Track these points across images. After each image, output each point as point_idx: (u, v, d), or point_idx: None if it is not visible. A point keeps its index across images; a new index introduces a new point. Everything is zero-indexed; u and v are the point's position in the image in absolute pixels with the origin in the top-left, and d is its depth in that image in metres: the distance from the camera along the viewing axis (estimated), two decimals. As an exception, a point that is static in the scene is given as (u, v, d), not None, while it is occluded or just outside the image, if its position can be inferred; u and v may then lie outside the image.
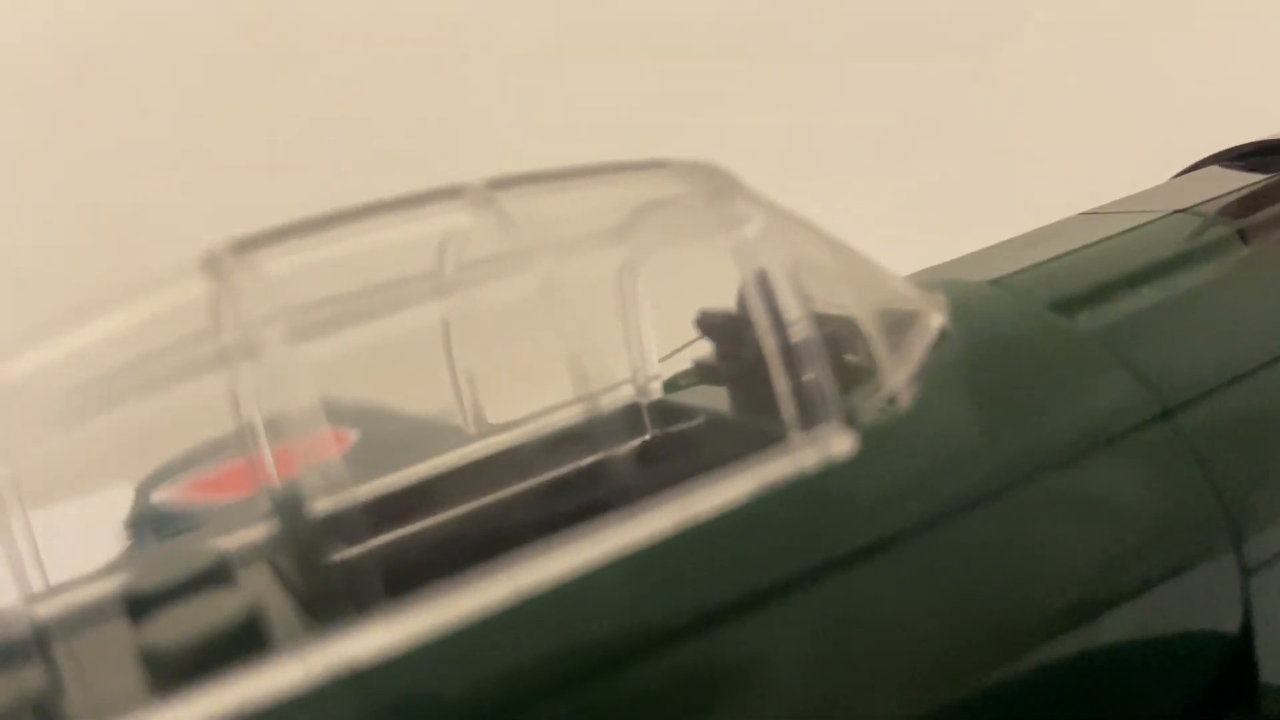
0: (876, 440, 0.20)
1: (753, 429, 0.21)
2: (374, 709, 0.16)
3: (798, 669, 0.18)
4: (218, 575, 0.19)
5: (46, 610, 0.20)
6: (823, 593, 0.19)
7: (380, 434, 0.26)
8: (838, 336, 0.21)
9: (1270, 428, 0.23)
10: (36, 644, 0.18)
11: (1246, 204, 0.28)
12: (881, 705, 0.19)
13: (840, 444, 0.20)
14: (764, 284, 0.20)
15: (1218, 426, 0.22)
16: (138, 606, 0.18)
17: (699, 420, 0.23)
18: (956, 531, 0.20)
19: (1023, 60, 0.59)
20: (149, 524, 0.28)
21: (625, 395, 0.26)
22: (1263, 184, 0.29)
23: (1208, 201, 0.28)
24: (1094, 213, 0.30)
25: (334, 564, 0.18)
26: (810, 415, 0.20)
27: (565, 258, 0.20)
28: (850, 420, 0.20)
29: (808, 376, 0.20)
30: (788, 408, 0.20)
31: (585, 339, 0.20)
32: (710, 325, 0.24)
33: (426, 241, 0.21)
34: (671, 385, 0.26)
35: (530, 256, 0.19)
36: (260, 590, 0.19)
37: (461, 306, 0.22)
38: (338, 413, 0.20)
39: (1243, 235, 0.27)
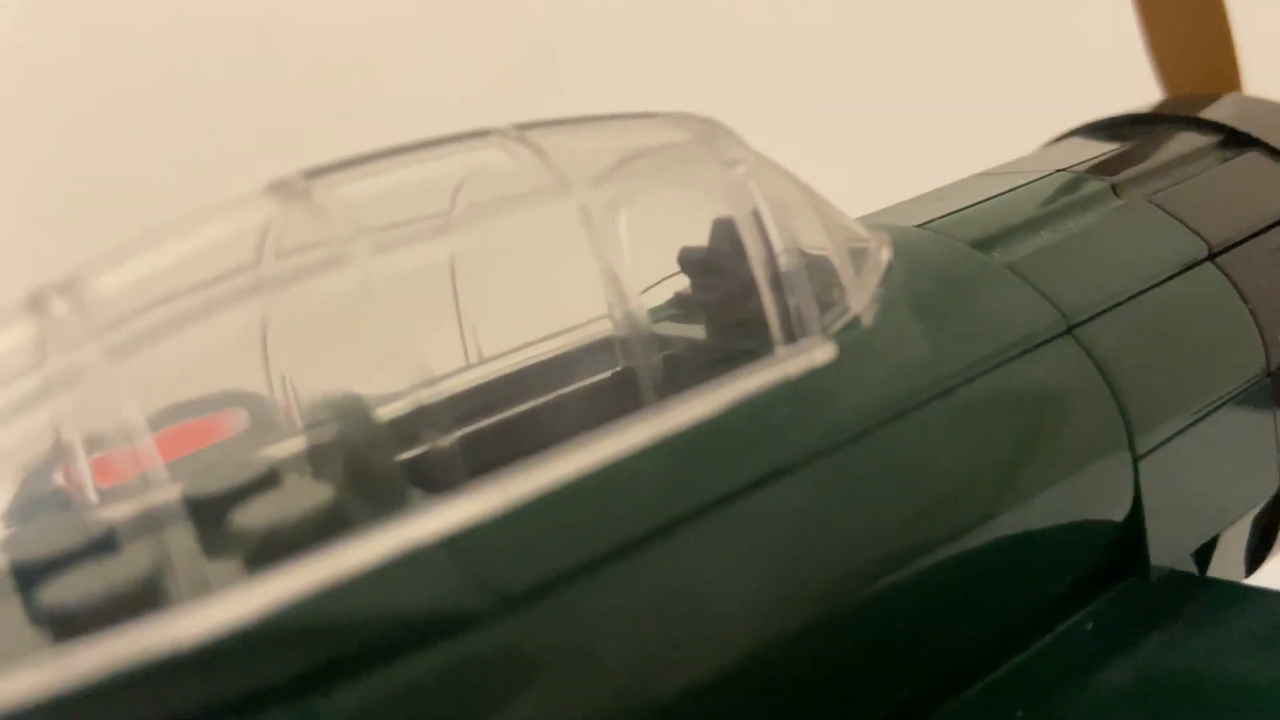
0: (849, 351, 0.24)
1: (742, 346, 0.24)
2: (468, 567, 0.18)
3: (808, 532, 0.22)
4: (269, 479, 0.20)
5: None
6: (821, 471, 0.22)
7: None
8: (813, 264, 0.25)
9: (1155, 338, 0.28)
10: (148, 524, 0.19)
11: (1114, 164, 0.33)
12: (860, 567, 0.23)
13: (823, 353, 0.24)
14: (756, 217, 0.24)
15: (1112, 338, 0.27)
16: (201, 508, 0.20)
17: (695, 340, 0.26)
18: (916, 424, 0.24)
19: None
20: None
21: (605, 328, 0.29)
22: (1125, 148, 0.35)
23: (1082, 163, 0.34)
24: (987, 173, 0.35)
25: (397, 460, 0.20)
26: (795, 330, 0.24)
27: (563, 197, 0.22)
28: (829, 334, 0.24)
29: (792, 297, 0.24)
30: (775, 324, 0.24)
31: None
32: (690, 261, 0.27)
33: (449, 176, 0.23)
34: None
35: (538, 196, 0.22)
36: (320, 487, 0.21)
37: (470, 243, 0.24)
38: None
39: (1115, 189, 0.32)
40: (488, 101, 0.73)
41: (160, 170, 0.72)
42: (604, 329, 0.27)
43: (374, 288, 0.19)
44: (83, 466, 0.21)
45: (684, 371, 0.24)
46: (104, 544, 0.19)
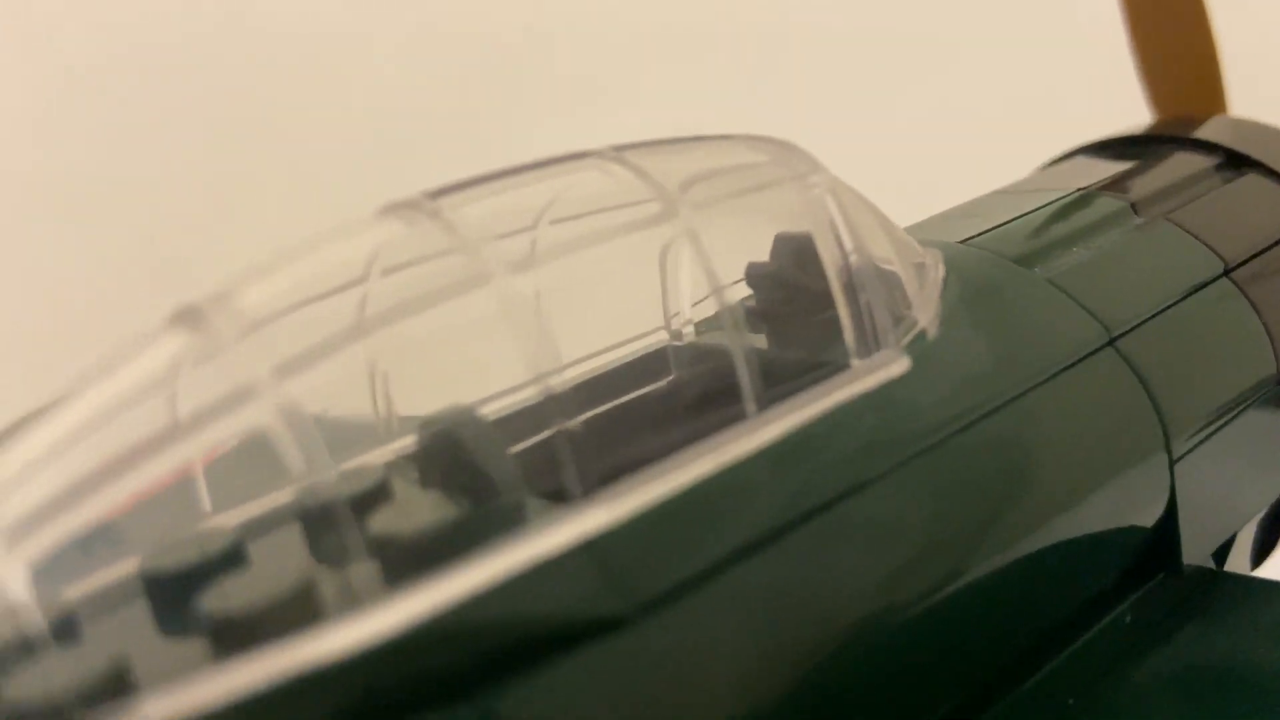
0: (920, 363, 0.25)
1: (816, 359, 0.26)
2: (607, 573, 0.19)
3: (897, 537, 0.23)
4: (387, 489, 0.21)
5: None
6: (905, 478, 0.24)
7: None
8: (884, 278, 0.26)
9: (1184, 349, 0.30)
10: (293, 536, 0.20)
11: (1127, 184, 0.35)
12: (943, 566, 0.24)
13: (899, 366, 0.25)
14: (834, 232, 0.25)
15: (1148, 349, 0.29)
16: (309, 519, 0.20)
17: (773, 354, 0.27)
18: (985, 433, 0.25)
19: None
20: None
21: (660, 339, 0.30)
22: (1132, 168, 0.37)
23: (1096, 183, 0.35)
24: (1004, 191, 0.37)
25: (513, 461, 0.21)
26: (870, 343, 0.25)
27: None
28: (901, 347, 0.25)
29: (867, 310, 0.25)
30: (852, 336, 0.25)
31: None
32: (757, 276, 0.28)
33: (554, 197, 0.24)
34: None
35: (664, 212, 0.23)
36: (443, 498, 0.22)
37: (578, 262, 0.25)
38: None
39: (1134, 208, 0.34)
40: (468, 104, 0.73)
41: (133, 172, 0.72)
42: (702, 339, 0.28)
43: (513, 303, 0.20)
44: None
45: (770, 384, 0.25)
46: (233, 558, 0.20)
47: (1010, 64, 0.69)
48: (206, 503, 0.22)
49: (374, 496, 0.21)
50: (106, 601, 0.19)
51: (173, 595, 0.19)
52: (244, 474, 0.23)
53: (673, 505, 0.21)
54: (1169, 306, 0.30)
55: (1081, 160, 0.40)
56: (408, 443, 0.23)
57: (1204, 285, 0.32)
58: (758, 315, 0.29)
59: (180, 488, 0.21)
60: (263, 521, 0.22)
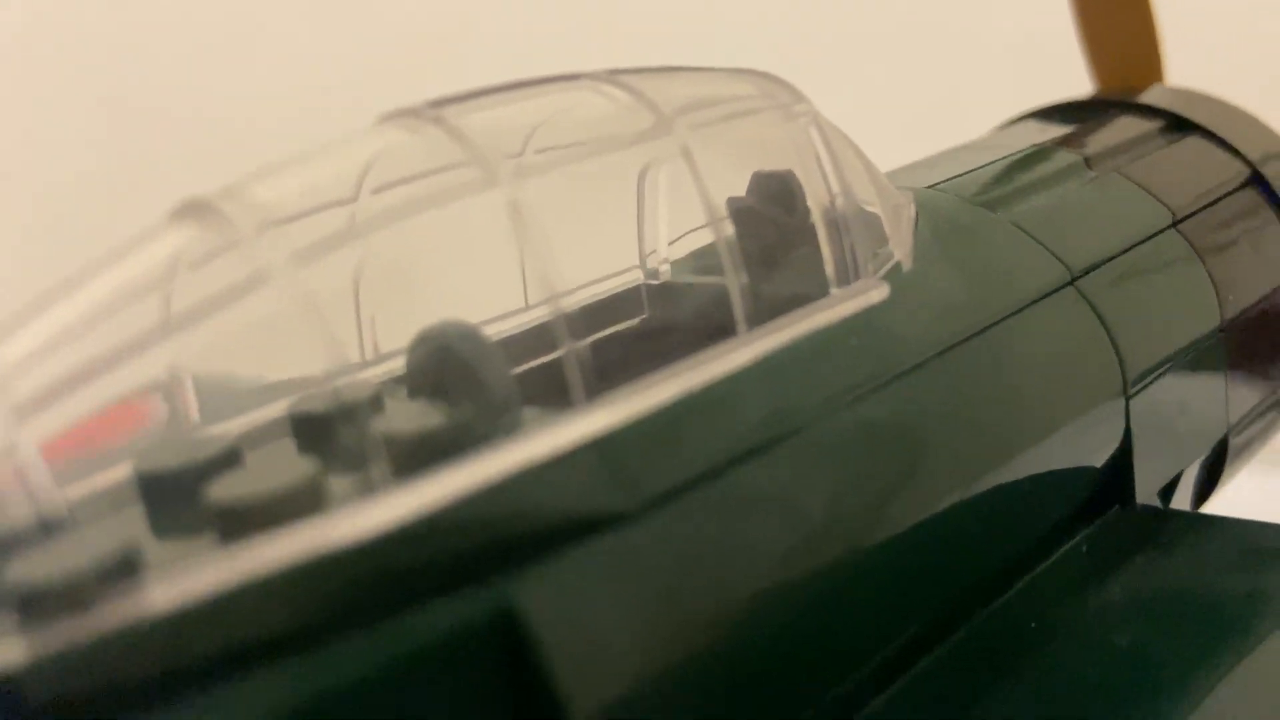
0: (898, 292, 0.26)
1: (797, 289, 0.26)
2: (614, 470, 0.20)
3: (883, 451, 0.24)
4: (378, 400, 0.21)
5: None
6: (887, 397, 0.24)
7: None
8: (863, 213, 0.27)
9: (1142, 290, 0.31)
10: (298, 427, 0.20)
11: (1078, 142, 0.37)
12: (922, 483, 0.25)
13: (879, 293, 0.26)
14: (818, 164, 0.26)
15: (1106, 290, 0.30)
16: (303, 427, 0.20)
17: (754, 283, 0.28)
18: (961, 359, 0.26)
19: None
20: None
21: (635, 277, 0.30)
22: (1082, 129, 0.38)
23: (1053, 140, 0.37)
24: (963, 148, 0.38)
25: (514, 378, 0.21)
26: (851, 272, 0.26)
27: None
28: (879, 276, 0.26)
29: (848, 241, 0.26)
30: (833, 265, 0.26)
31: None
32: (735, 211, 0.29)
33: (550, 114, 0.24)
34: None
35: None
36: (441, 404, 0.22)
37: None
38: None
39: (1087, 162, 0.35)
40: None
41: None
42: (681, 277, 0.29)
43: (520, 208, 0.20)
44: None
45: (757, 309, 0.25)
46: (235, 458, 0.20)
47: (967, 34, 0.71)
48: (197, 412, 0.22)
49: (377, 400, 0.21)
50: (110, 496, 0.19)
51: (176, 491, 0.19)
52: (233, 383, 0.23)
53: (673, 411, 0.21)
54: (1124, 252, 0.32)
55: (1032, 123, 0.41)
56: (409, 353, 0.23)
57: (1155, 234, 0.33)
58: (744, 251, 0.29)
59: (175, 396, 0.21)
60: (270, 425, 0.22)
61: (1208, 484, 0.36)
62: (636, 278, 0.30)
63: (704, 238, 0.30)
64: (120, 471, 0.20)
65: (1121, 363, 0.30)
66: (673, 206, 0.30)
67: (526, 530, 0.19)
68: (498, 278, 0.24)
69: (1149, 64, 0.44)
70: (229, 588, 0.16)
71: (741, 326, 0.24)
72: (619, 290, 0.29)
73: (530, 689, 0.18)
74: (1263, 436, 0.38)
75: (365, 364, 0.24)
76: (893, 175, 0.35)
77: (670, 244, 0.31)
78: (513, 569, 0.18)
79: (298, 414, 0.21)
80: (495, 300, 0.25)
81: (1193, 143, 0.38)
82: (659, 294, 0.30)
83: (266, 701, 0.16)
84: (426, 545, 0.18)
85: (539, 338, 0.23)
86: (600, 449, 0.20)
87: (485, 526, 0.18)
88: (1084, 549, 0.29)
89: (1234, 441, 0.35)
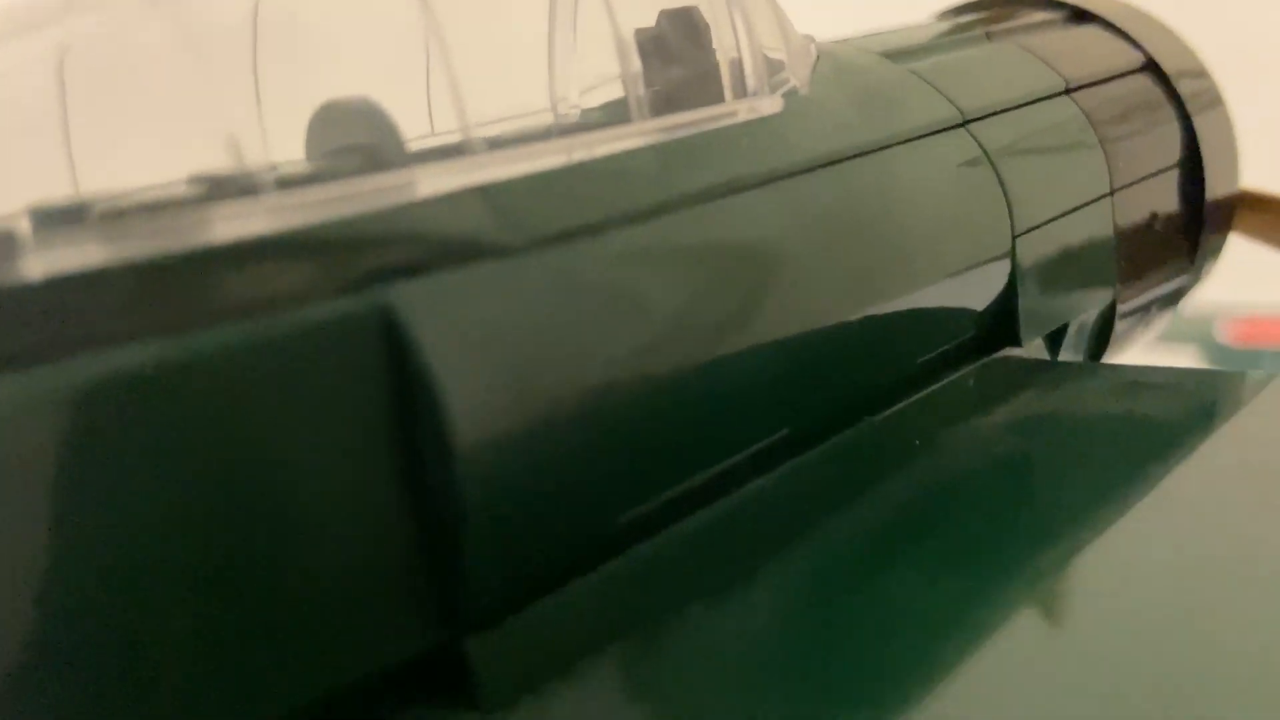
0: (792, 108, 0.27)
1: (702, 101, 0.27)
2: (502, 211, 0.21)
3: (768, 240, 0.25)
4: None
5: None
6: (777, 192, 0.25)
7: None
8: (762, 39, 0.28)
9: (1030, 144, 0.33)
10: None
11: (987, 21, 0.38)
12: (809, 283, 0.26)
13: (771, 106, 0.27)
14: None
15: (998, 136, 0.32)
16: None
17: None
18: (851, 171, 0.27)
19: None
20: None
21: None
22: (993, 13, 0.40)
23: (960, 18, 0.38)
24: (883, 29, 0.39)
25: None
26: (748, 88, 0.27)
27: None
28: (777, 91, 0.27)
29: (747, 60, 0.27)
30: (730, 82, 0.27)
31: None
32: (642, 41, 0.30)
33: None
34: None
35: None
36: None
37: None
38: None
39: (988, 36, 0.37)
40: None
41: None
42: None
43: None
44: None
45: (659, 108, 0.26)
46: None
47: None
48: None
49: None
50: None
51: (66, 212, 0.19)
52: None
53: (563, 172, 0.22)
54: (1017, 106, 0.33)
55: (952, 11, 0.43)
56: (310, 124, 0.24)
57: (1049, 97, 0.35)
58: (648, 78, 0.30)
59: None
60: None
61: (1097, 350, 0.37)
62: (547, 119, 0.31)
63: (614, 71, 0.31)
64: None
65: (1010, 205, 0.31)
66: (586, 44, 0.31)
67: (412, 251, 0.19)
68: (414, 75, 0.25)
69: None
70: (106, 265, 0.17)
71: (636, 115, 0.25)
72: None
73: (406, 386, 0.18)
74: (1157, 312, 0.40)
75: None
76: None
77: (582, 93, 0.32)
78: (397, 280, 0.19)
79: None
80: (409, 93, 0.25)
81: (1092, 30, 0.40)
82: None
83: (139, 364, 0.16)
84: (308, 251, 0.19)
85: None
86: (487, 192, 0.21)
87: (370, 242, 0.19)
88: (970, 382, 0.31)
89: (1122, 308, 0.37)
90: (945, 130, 0.30)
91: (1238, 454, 0.27)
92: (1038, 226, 0.32)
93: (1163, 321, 0.41)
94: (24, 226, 0.19)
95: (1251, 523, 0.24)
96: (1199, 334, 1.08)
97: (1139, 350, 0.40)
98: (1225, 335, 1.05)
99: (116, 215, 0.18)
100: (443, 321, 0.19)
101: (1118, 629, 0.21)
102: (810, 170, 0.26)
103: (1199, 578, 0.22)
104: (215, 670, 0.18)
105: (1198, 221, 0.40)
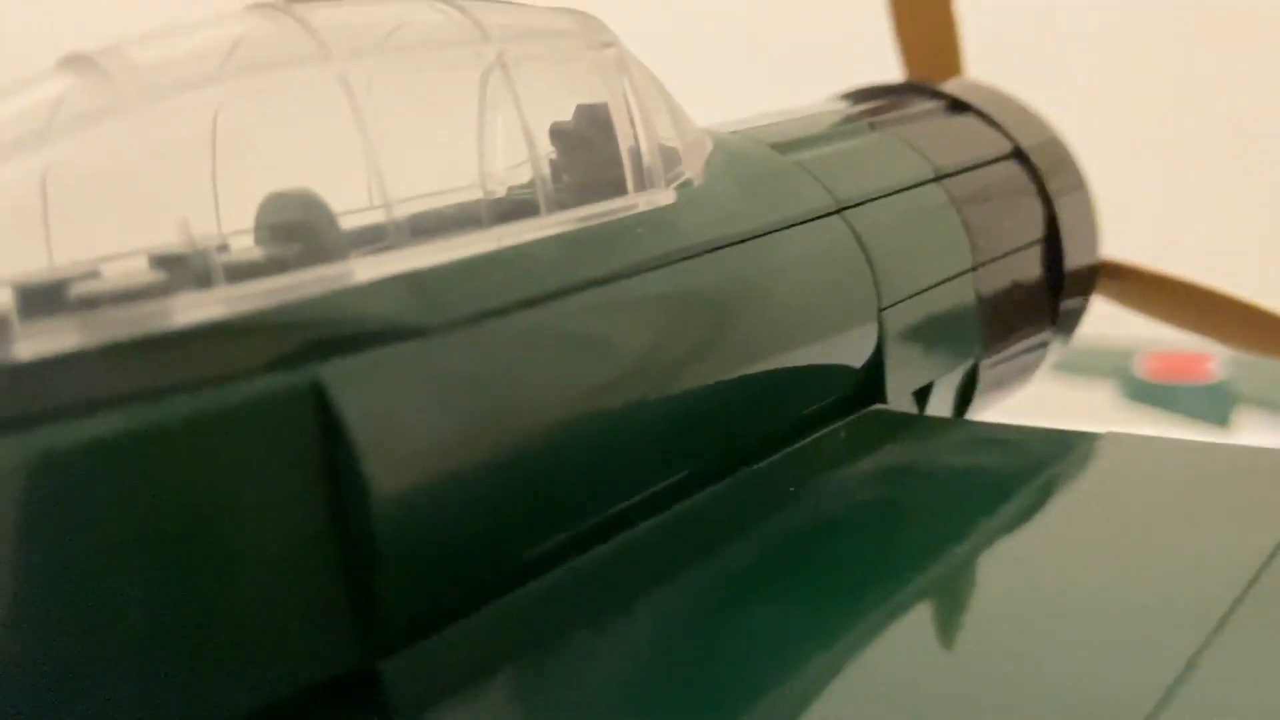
0: (685, 199, 0.32)
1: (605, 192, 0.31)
2: (421, 295, 0.24)
3: (661, 316, 0.29)
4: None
5: None
6: (669, 275, 0.30)
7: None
8: (660, 135, 0.32)
9: (898, 228, 0.37)
10: None
11: (872, 111, 0.43)
12: (697, 351, 0.30)
13: (666, 198, 0.31)
14: (624, 89, 0.31)
15: (869, 222, 0.36)
16: None
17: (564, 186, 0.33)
18: (734, 257, 0.32)
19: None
20: None
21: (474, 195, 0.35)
22: (879, 104, 0.45)
23: (848, 107, 0.43)
24: (777, 110, 0.44)
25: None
26: (646, 181, 0.31)
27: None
28: (670, 185, 0.31)
29: (645, 155, 0.31)
30: (631, 174, 0.31)
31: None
32: (558, 134, 0.34)
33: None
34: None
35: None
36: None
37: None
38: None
39: (871, 126, 0.41)
40: None
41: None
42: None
43: (350, 82, 0.25)
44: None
45: (566, 200, 0.30)
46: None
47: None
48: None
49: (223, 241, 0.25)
50: None
51: (44, 292, 0.23)
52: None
53: (477, 260, 0.26)
54: (888, 195, 0.38)
55: (843, 98, 0.47)
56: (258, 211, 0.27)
57: (919, 185, 0.39)
58: (559, 166, 0.34)
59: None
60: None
61: (962, 404, 0.42)
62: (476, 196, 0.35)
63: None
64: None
65: (877, 282, 0.35)
66: (509, 132, 0.35)
67: (340, 332, 0.23)
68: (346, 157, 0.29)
69: (949, 61, 0.51)
70: (82, 347, 0.20)
71: (544, 209, 0.29)
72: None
73: (333, 448, 0.22)
74: (1019, 375, 0.45)
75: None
76: (709, 126, 0.41)
77: (507, 170, 0.36)
78: (329, 357, 0.23)
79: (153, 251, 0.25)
80: (340, 177, 0.29)
81: (967, 121, 0.45)
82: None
83: (109, 431, 0.20)
84: (253, 334, 0.22)
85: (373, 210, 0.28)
86: (410, 279, 0.25)
87: (305, 325, 0.23)
88: (842, 434, 0.35)
89: (985, 372, 0.41)
90: (821, 217, 0.35)
91: (1061, 501, 0.32)
92: (902, 300, 0.36)
93: (1029, 376, 0.46)
94: (9, 304, 0.23)
95: (1066, 560, 0.28)
96: (1118, 369, 1.15)
97: (1061, 385, 0.45)
98: (1143, 370, 1.12)
99: (92, 301, 0.21)
100: (366, 393, 0.23)
101: (950, 652, 0.25)
102: (698, 255, 0.31)
103: (1019, 606, 0.27)
104: (164, 687, 0.21)
105: (1058, 290, 0.45)
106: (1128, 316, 0.51)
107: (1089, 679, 0.23)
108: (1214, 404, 1.08)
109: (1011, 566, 0.29)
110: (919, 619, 0.26)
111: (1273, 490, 0.31)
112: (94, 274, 0.23)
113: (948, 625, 0.26)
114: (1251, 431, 1.04)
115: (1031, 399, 0.48)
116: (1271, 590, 0.25)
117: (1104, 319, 0.54)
